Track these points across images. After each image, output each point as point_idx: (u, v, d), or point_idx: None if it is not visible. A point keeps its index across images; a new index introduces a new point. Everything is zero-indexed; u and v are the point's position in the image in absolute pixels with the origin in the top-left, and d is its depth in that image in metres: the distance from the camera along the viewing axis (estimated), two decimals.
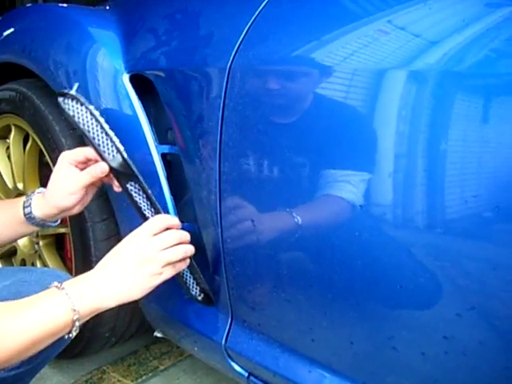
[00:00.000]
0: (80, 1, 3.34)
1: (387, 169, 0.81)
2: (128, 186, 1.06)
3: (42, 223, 1.12)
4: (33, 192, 1.13)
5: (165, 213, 1.09)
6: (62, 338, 0.92)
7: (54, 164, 1.34)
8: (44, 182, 1.57)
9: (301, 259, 0.94)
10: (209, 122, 1.04)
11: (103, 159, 1.04)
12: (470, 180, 0.75)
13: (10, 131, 1.62)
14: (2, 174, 1.69)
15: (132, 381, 1.55)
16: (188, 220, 1.16)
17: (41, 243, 1.59)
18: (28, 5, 1.74)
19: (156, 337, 1.40)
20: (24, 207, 1.10)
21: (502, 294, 0.74)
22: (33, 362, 1.10)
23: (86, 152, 1.06)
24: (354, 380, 0.94)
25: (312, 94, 0.90)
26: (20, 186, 1.61)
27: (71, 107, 1.04)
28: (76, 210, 1.12)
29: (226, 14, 1.09)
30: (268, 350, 1.05)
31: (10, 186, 1.67)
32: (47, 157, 1.42)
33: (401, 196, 0.81)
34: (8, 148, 1.66)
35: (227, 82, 0.99)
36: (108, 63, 1.24)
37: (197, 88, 1.07)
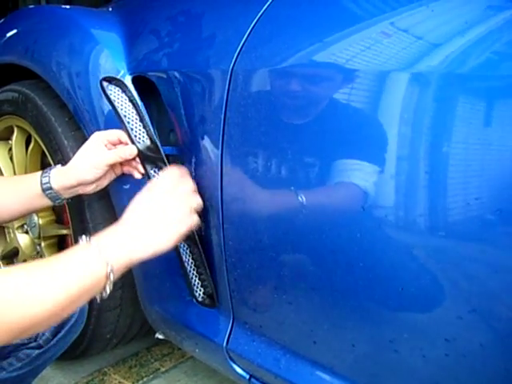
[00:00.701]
0: (83, 2, 3.35)
1: (389, 171, 0.81)
2: (152, 171, 1.13)
3: (55, 196, 1.13)
4: (51, 166, 1.17)
5: None
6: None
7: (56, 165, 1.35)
8: None
9: (303, 261, 0.94)
10: (211, 124, 1.04)
11: (133, 143, 1.12)
12: (472, 183, 0.75)
13: (12, 132, 1.62)
14: (5, 175, 1.69)
15: (133, 382, 1.55)
16: None
17: (43, 244, 1.59)
18: (31, 6, 1.74)
19: (157, 338, 1.39)
20: (42, 177, 1.13)
21: (504, 297, 0.74)
22: (35, 363, 1.10)
23: (119, 134, 1.13)
24: (355, 382, 0.94)
25: (315, 95, 0.90)
26: None
27: (113, 92, 1.14)
28: (90, 189, 1.15)
29: (229, 16, 1.09)
30: (269, 352, 1.05)
31: None
32: (49, 158, 1.42)
33: (403, 198, 0.81)
34: (10, 149, 1.66)
35: (229, 83, 0.99)
36: (110, 65, 1.24)
37: (199, 90, 1.07)
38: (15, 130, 1.60)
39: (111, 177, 1.18)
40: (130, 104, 1.13)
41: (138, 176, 1.14)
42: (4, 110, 1.57)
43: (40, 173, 1.14)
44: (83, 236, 0.91)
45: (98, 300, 0.90)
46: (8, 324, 0.76)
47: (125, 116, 1.11)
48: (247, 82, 0.97)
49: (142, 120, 1.12)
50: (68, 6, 1.49)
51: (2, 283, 0.78)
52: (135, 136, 1.13)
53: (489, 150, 0.73)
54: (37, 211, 1.23)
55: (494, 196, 0.73)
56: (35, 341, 1.08)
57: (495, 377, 0.77)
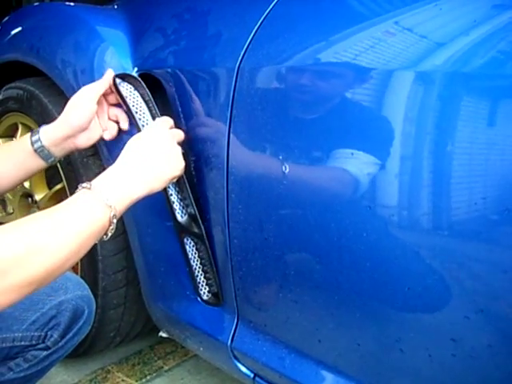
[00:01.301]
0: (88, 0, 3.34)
1: (394, 170, 0.81)
2: None
3: (47, 155, 1.13)
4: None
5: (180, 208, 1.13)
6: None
7: (60, 163, 1.35)
8: (50, 181, 1.57)
9: (308, 260, 0.94)
10: (217, 122, 1.04)
11: None
12: (479, 182, 0.74)
13: (17, 130, 1.62)
14: None
15: (136, 380, 1.54)
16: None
17: None
18: (35, 4, 1.74)
19: (161, 337, 1.39)
20: (32, 137, 1.12)
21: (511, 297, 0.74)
22: (42, 364, 1.10)
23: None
24: (360, 382, 0.93)
25: (321, 93, 0.90)
26: (26, 184, 1.61)
27: (126, 89, 1.14)
28: (81, 143, 1.14)
29: (235, 14, 1.09)
30: (274, 350, 1.05)
31: None
32: None
33: (409, 198, 0.81)
34: None
35: (236, 81, 0.99)
36: (116, 62, 1.24)
37: (205, 87, 1.07)
38: (20, 127, 1.60)
39: (100, 129, 1.16)
40: (143, 101, 1.13)
41: (124, 126, 1.16)
42: (9, 108, 1.57)
43: (30, 133, 1.14)
44: (84, 183, 0.91)
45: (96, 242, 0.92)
46: (25, 278, 0.77)
47: (136, 112, 1.11)
48: (254, 79, 0.97)
49: (153, 117, 1.12)
50: (73, 4, 1.49)
51: (12, 240, 0.78)
52: None
53: (495, 149, 0.73)
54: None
55: (502, 195, 0.72)
56: (43, 342, 1.08)
57: (503, 378, 0.77)
